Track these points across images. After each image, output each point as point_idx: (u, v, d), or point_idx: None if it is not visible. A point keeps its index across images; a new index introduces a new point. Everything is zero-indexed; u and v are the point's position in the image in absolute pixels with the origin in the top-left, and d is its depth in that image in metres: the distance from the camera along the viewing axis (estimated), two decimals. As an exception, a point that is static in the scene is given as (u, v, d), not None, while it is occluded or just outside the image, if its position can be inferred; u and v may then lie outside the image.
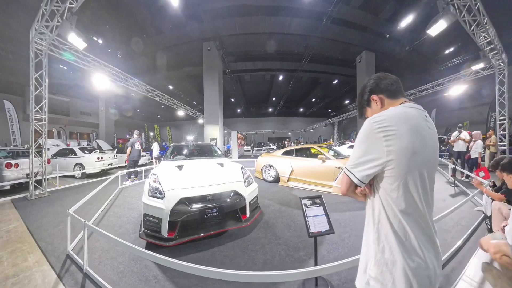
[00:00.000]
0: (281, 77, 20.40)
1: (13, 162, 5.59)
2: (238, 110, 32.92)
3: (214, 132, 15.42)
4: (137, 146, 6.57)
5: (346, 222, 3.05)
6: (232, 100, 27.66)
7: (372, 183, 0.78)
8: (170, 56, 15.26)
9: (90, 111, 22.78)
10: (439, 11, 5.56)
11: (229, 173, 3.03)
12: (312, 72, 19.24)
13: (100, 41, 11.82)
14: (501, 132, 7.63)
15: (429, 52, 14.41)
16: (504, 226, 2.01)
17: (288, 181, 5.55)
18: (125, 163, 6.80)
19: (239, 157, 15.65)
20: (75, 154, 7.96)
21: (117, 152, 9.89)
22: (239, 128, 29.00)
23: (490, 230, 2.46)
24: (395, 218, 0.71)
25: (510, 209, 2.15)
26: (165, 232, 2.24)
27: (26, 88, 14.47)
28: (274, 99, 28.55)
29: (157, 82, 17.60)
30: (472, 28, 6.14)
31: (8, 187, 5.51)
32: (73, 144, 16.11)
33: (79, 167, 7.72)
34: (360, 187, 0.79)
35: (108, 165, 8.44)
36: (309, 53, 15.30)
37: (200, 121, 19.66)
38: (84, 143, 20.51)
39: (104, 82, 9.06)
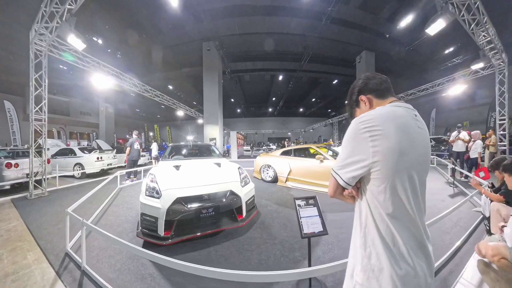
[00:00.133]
0: (280, 77, 20.44)
1: (13, 162, 5.64)
2: (238, 110, 32.97)
3: (213, 132, 15.46)
4: (136, 146, 6.62)
5: (342, 223, 3.05)
6: (232, 100, 27.70)
7: (360, 186, 0.75)
8: (169, 56, 15.29)
9: (90, 111, 22.84)
10: (438, 10, 5.55)
11: (226, 173, 3.07)
12: (312, 72, 19.27)
13: (100, 41, 11.86)
14: (501, 132, 7.59)
15: (429, 52, 14.43)
16: (502, 226, 1.99)
17: (286, 181, 5.57)
18: (125, 163, 6.85)
19: (239, 157, 15.67)
20: (75, 154, 8.00)
21: (117, 152, 9.93)
22: (239, 128, 29.06)
23: (489, 232, 2.42)
24: (382, 222, 0.68)
25: (511, 215, 2.05)
26: (161, 231, 2.28)
27: (26, 88, 14.49)
28: (274, 99, 28.59)
29: (157, 82, 17.66)
30: (471, 27, 6.10)
31: (8, 187, 5.56)
32: (73, 144, 16.18)
33: (79, 167, 7.77)
34: (345, 188, 0.76)
35: (107, 165, 8.49)
36: (308, 53, 15.33)
37: (200, 121, 19.70)
38: (84, 143, 20.57)
39: (103, 83, 9.10)
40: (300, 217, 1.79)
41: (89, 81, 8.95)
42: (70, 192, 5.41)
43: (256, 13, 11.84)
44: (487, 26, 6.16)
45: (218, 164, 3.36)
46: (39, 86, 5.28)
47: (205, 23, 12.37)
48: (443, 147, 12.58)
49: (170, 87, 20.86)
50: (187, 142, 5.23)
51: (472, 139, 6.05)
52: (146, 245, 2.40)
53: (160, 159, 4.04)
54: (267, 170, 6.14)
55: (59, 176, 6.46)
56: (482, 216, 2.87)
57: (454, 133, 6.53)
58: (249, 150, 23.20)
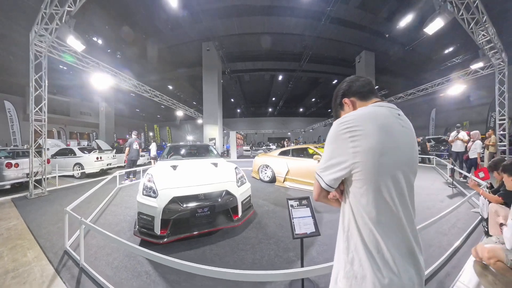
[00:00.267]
0: (280, 77, 20.47)
1: (13, 162, 5.69)
2: (238, 110, 33.05)
3: (213, 132, 15.50)
4: (135, 146, 6.67)
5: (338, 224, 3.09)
6: (232, 100, 27.75)
7: (343, 188, 0.74)
8: (169, 56, 15.35)
9: (90, 111, 22.92)
10: (436, 9, 5.52)
11: (222, 173, 3.11)
12: (311, 72, 19.29)
13: (100, 42, 11.92)
14: (501, 132, 7.55)
15: (429, 52, 14.44)
16: (501, 224, 1.99)
17: (284, 181, 5.60)
18: (124, 163, 6.91)
19: (238, 157, 15.68)
20: (75, 154, 8.06)
21: (116, 152, 9.98)
22: (239, 128, 29.12)
23: (487, 233, 2.37)
24: (365, 226, 0.65)
25: (510, 218, 1.97)
26: (157, 230, 2.34)
27: (26, 88, 14.56)
28: (273, 99, 28.64)
29: (156, 83, 17.71)
30: (470, 27, 6.06)
31: (8, 187, 5.61)
32: (73, 144, 16.26)
33: (78, 167, 7.82)
34: (329, 191, 0.74)
35: (107, 165, 8.54)
36: (308, 53, 15.35)
37: (200, 121, 19.76)
38: (84, 143, 20.65)
39: (103, 83, 9.15)
40: (293, 218, 1.77)
41: (89, 81, 9.00)
42: (69, 192, 5.46)
43: (256, 13, 11.88)
44: (486, 25, 6.11)
45: (215, 164, 3.41)
46: (39, 86, 5.33)
47: (205, 23, 12.41)
48: (442, 147, 12.62)
49: (170, 87, 20.91)
50: (187, 142, 5.28)
51: (471, 139, 5.99)
52: (143, 243, 2.45)
53: (159, 159, 4.09)
54: (265, 170, 6.18)
55: (59, 176, 6.52)
56: (480, 217, 2.83)
57: (453, 133, 6.48)
58: (249, 150, 23.23)
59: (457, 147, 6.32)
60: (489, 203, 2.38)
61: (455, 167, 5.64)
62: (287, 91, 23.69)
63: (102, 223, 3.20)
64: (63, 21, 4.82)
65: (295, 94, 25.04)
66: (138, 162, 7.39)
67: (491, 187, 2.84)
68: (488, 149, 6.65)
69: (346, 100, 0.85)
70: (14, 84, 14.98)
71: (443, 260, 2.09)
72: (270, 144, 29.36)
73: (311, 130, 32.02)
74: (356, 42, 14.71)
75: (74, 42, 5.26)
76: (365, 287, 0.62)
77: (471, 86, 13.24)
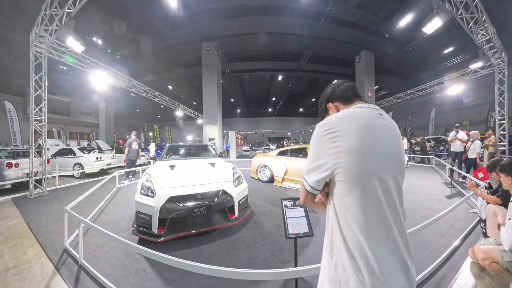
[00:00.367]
0: (280, 77, 20.52)
1: (13, 162, 5.74)
2: (238, 110, 33.11)
3: (212, 132, 15.55)
4: (135, 146, 6.72)
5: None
6: (232, 100, 27.81)
7: (328, 190, 0.73)
8: (169, 56, 15.39)
9: (90, 111, 22.98)
10: (434, 9, 5.48)
11: (219, 173, 3.15)
12: (311, 72, 19.33)
13: (100, 42, 11.97)
14: (501, 132, 7.49)
15: (428, 52, 14.45)
16: (499, 225, 1.96)
17: (282, 181, 5.63)
18: (124, 163, 6.96)
19: (238, 157, 15.70)
20: (74, 154, 8.11)
21: (116, 152, 10.03)
22: (239, 128, 29.16)
23: (485, 234, 2.33)
24: (348, 229, 0.63)
25: (509, 219, 1.92)
26: (155, 229, 2.38)
27: (26, 88, 14.62)
28: (273, 99, 28.69)
29: (156, 83, 17.76)
30: (470, 26, 6.03)
31: (9, 186, 5.66)
32: (73, 144, 16.32)
33: (78, 167, 7.87)
34: (315, 194, 0.74)
35: (106, 165, 8.59)
36: (308, 53, 15.39)
37: (200, 121, 19.81)
38: (84, 143, 20.71)
39: (103, 84, 9.20)
40: (286, 218, 1.77)
41: (89, 82, 9.05)
42: (69, 192, 5.51)
43: (255, 13, 11.92)
44: (486, 25, 6.06)
45: (213, 164, 3.45)
46: (39, 87, 5.38)
47: (204, 24, 12.46)
48: (442, 147, 12.65)
49: (170, 87, 20.97)
50: (187, 142, 5.33)
51: (470, 139, 5.93)
52: (140, 242, 2.49)
53: (157, 159, 4.13)
54: (264, 170, 6.21)
55: (59, 176, 6.56)
56: (478, 218, 2.80)
57: (452, 133, 6.42)
58: (248, 150, 23.28)
59: (456, 147, 6.28)
60: (487, 204, 2.36)
61: (454, 167, 5.62)
62: (286, 91, 23.74)
63: (101, 222, 3.24)
64: (63, 22, 4.87)
65: (295, 94, 25.09)
66: (138, 162, 7.43)
67: (489, 187, 2.82)
68: (487, 149, 6.59)
69: (330, 105, 0.87)
70: (14, 84, 15.05)
71: (440, 262, 2.06)
72: (270, 144, 29.40)
73: (311, 130, 32.00)
74: (356, 42, 14.72)
75: (74, 43, 5.31)
76: None
77: (471, 86, 13.25)
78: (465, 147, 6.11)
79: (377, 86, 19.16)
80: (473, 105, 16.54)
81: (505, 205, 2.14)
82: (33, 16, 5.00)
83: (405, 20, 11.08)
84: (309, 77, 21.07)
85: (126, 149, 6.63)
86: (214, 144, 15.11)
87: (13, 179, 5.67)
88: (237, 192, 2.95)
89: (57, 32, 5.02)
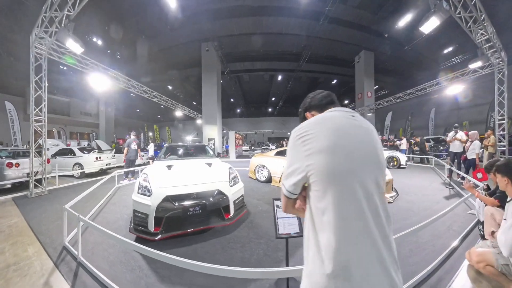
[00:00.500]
0: (280, 77, 20.58)
1: (14, 161, 5.80)
2: (238, 110, 33.18)
3: (212, 132, 15.60)
4: (134, 146, 6.79)
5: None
6: (232, 100, 27.89)
7: (305, 194, 0.72)
8: (168, 57, 15.47)
9: (90, 111, 23.06)
10: (431, 8, 5.39)
11: (215, 172, 3.21)
12: (311, 72, 19.40)
13: (99, 42, 12.04)
14: (501, 132, 7.38)
15: (428, 52, 14.49)
16: (492, 232, 1.91)
17: (280, 181, 5.70)
18: (123, 162, 7.03)
19: (237, 157, 15.74)
20: (74, 154, 8.18)
21: (116, 152, 10.10)
22: (238, 128, 29.20)
23: (483, 237, 2.29)
24: (323, 233, 0.60)
25: (504, 219, 1.85)
26: (151, 227, 2.45)
27: (26, 89, 14.69)
28: (273, 99, 28.76)
29: (156, 83, 17.82)
30: (469, 25, 5.93)
31: (9, 186, 5.72)
32: (73, 144, 16.41)
33: (78, 167, 7.94)
34: (292, 198, 0.73)
35: (106, 165, 8.66)
36: (307, 53, 15.43)
37: (199, 121, 19.88)
38: (84, 143, 20.78)
39: (103, 84, 9.27)
40: (277, 218, 1.77)
41: (89, 82, 9.11)
42: (69, 191, 5.57)
43: (254, 14, 11.97)
44: (485, 24, 5.96)
45: (209, 164, 3.50)
46: (39, 88, 5.45)
47: (203, 24, 12.51)
48: (441, 147, 12.68)
49: (169, 87, 21.04)
50: (187, 142, 5.39)
51: (470, 140, 5.84)
52: (137, 240, 2.54)
53: (155, 159, 4.19)
54: (262, 170, 6.24)
55: (59, 176, 6.63)
56: (477, 219, 2.75)
57: (451, 133, 6.32)
58: (248, 150, 23.32)
59: (455, 147, 6.19)
60: (485, 206, 2.32)
61: (453, 168, 5.59)
62: (286, 91, 23.81)
63: (100, 221, 3.31)
64: (63, 24, 4.93)
65: (294, 94, 25.15)
66: (137, 162, 7.49)
67: (488, 189, 2.77)
68: (487, 150, 6.50)
69: (308, 114, 0.91)
70: (14, 84, 15.14)
71: (436, 264, 2.02)
72: (270, 144, 29.45)
73: (310, 130, 32.00)
74: (355, 42, 14.75)
75: (73, 45, 5.37)
76: None
77: (471, 86, 13.27)
78: (464, 148, 6.03)
79: (376, 86, 19.19)
80: (473, 105, 16.49)
81: (502, 206, 2.08)
82: (33, 17, 5.07)
83: (405, 20, 11.08)
84: (308, 77, 21.13)
85: (125, 149, 6.70)
86: (214, 144, 15.16)
87: (13, 178, 5.73)
88: (233, 192, 2.99)
89: (57, 34, 5.08)
